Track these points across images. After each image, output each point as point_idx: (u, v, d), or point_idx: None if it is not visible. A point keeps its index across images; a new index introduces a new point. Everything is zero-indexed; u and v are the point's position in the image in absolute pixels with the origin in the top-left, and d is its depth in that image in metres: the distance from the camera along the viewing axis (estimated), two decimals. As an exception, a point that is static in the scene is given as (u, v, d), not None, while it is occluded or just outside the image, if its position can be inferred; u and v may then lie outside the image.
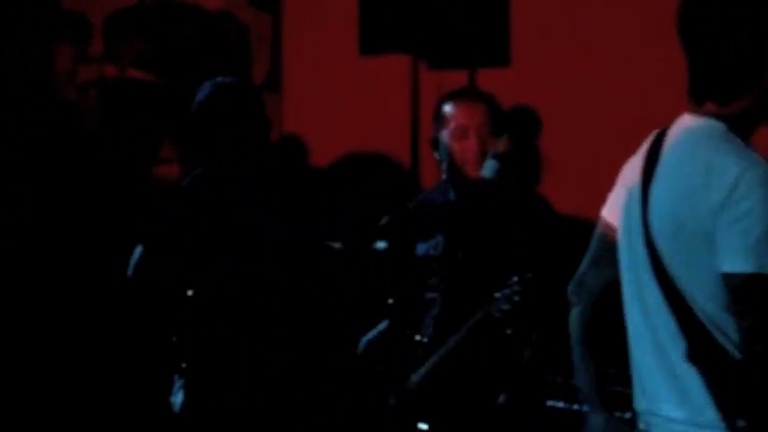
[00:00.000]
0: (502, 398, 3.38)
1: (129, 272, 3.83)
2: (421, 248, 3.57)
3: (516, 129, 4.88)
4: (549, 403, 3.79)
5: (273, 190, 3.89)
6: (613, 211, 2.88)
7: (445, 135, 3.80)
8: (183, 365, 3.83)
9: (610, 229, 2.87)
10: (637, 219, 2.71)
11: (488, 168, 3.55)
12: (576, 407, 3.76)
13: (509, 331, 3.32)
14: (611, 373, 3.57)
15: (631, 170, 2.86)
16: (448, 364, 3.37)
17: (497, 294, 3.27)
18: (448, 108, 3.79)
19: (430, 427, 3.42)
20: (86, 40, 5.38)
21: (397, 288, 3.59)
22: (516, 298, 3.24)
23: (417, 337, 3.47)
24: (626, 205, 2.80)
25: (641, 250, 2.67)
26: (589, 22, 5.64)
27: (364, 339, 3.74)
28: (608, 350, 4.15)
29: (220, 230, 3.81)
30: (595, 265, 2.90)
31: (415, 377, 3.42)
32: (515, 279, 3.24)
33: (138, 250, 3.92)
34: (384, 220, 3.54)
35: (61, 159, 4.82)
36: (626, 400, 3.04)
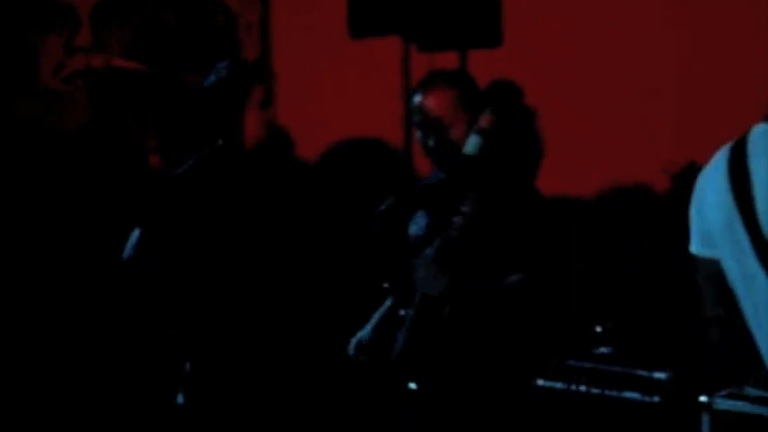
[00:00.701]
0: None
1: (126, 253, 3.79)
2: (412, 228, 3.57)
3: (498, 103, 4.85)
4: (545, 383, 3.76)
5: (269, 178, 3.87)
6: (705, 242, 2.69)
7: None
8: (185, 362, 3.81)
9: (713, 264, 2.68)
10: (745, 239, 2.55)
11: (471, 145, 3.52)
12: (573, 387, 3.73)
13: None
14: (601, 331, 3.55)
15: (714, 193, 2.66)
16: (429, 322, 3.37)
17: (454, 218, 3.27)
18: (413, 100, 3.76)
19: (419, 386, 3.42)
20: (74, 30, 5.34)
21: (392, 271, 3.59)
22: (466, 209, 3.23)
23: (402, 312, 3.47)
24: (727, 228, 2.60)
25: (758, 270, 2.53)
26: (581, 0, 5.60)
27: (354, 339, 3.72)
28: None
29: (220, 219, 3.78)
30: (719, 302, 2.71)
31: (399, 343, 3.42)
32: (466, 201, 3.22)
33: (136, 234, 3.88)
34: (386, 204, 3.51)
35: (47, 152, 4.79)
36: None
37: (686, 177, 5.12)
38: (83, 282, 4.66)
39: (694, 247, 2.77)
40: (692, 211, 2.77)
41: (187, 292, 3.79)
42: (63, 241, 4.70)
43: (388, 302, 3.69)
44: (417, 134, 3.64)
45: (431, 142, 3.49)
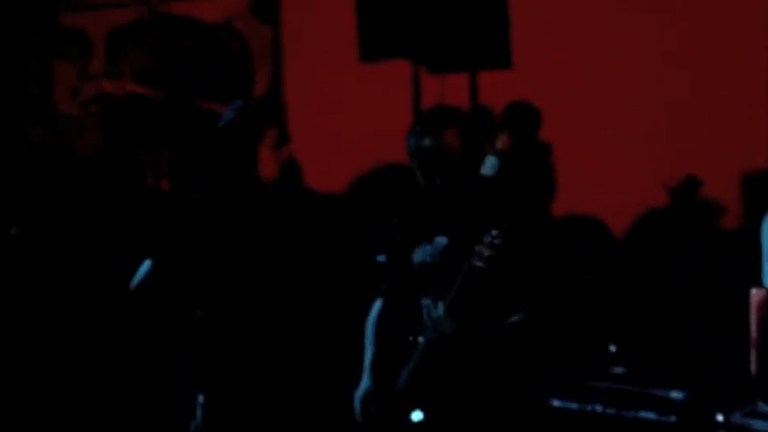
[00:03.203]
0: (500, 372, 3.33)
1: (134, 284, 3.81)
2: (418, 256, 3.53)
3: (516, 125, 4.85)
4: (560, 404, 3.76)
5: (284, 209, 3.88)
6: None
7: None
8: (199, 384, 3.82)
9: None
10: None
11: (488, 166, 3.51)
12: (589, 408, 3.73)
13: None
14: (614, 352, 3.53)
15: None
16: (437, 350, 3.35)
17: (477, 247, 3.23)
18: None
19: (426, 415, 3.39)
20: (87, 57, 5.38)
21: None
22: (497, 241, 3.19)
23: (413, 338, 3.44)
24: None
25: None
26: (589, 22, 5.63)
27: (357, 398, 3.67)
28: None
29: (233, 248, 3.79)
30: None
31: (405, 371, 3.40)
32: (493, 230, 3.18)
33: (147, 263, 3.89)
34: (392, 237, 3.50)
35: (62, 175, 4.81)
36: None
37: (684, 191, 5.15)
38: (89, 305, 4.68)
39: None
40: (765, 243, 2.73)
41: (198, 320, 3.80)
42: (74, 263, 4.72)
43: (375, 314, 3.62)
44: (418, 171, 3.48)
45: (438, 179, 3.41)
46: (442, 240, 3.35)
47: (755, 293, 2.91)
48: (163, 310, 3.91)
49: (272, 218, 3.80)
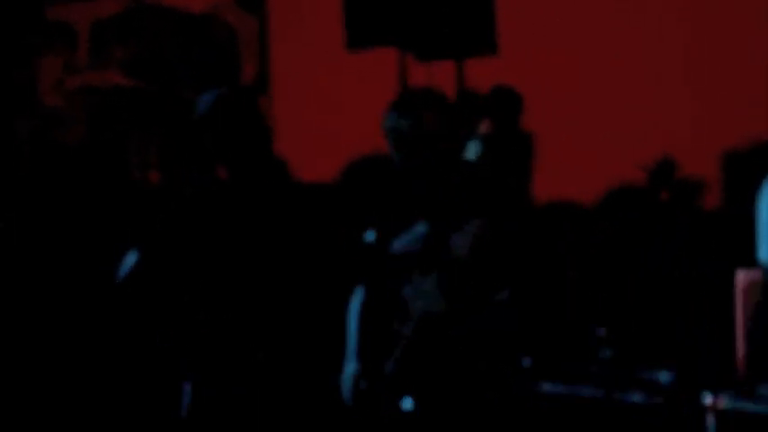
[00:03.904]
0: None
1: (120, 276, 3.80)
2: (397, 244, 3.49)
3: (498, 110, 4.85)
4: (549, 388, 3.77)
5: (275, 201, 3.87)
6: None
7: None
8: (189, 372, 3.81)
9: None
10: None
11: (471, 150, 3.50)
12: (577, 391, 3.74)
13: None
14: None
15: None
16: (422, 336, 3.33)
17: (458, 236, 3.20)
18: None
19: (417, 400, 3.38)
20: (72, 49, 5.37)
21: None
22: (475, 230, 3.16)
23: (399, 328, 3.42)
24: None
25: None
26: (575, 9, 5.64)
27: (347, 381, 3.66)
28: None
29: (221, 241, 3.79)
30: None
31: (391, 360, 3.38)
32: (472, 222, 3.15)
33: (132, 256, 3.89)
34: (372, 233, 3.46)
35: (46, 168, 4.81)
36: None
37: (661, 172, 5.16)
38: (75, 298, 4.67)
39: (764, 255, 2.72)
40: (763, 218, 2.72)
41: (183, 313, 3.80)
42: (60, 256, 4.71)
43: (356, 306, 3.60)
44: (395, 155, 3.40)
45: (418, 159, 3.34)
46: (420, 228, 3.31)
47: (742, 276, 2.88)
48: (152, 302, 3.91)
49: (262, 211, 3.80)
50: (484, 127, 3.55)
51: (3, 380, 4.65)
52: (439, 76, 5.34)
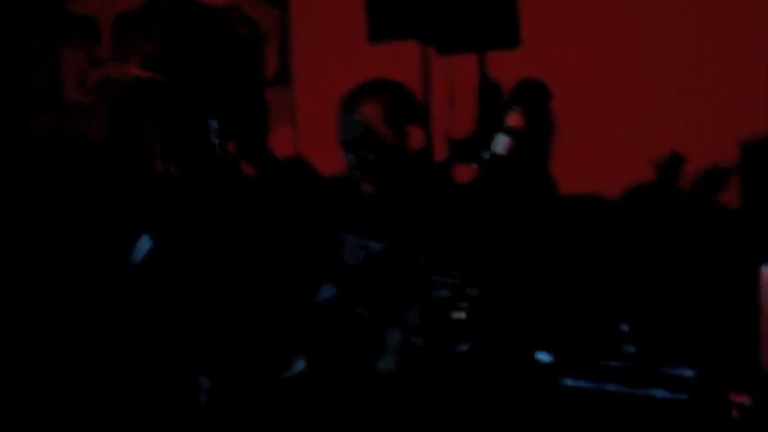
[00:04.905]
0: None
1: (134, 259, 3.77)
2: (348, 259, 3.32)
3: (526, 102, 4.82)
4: (573, 383, 3.76)
5: (291, 195, 3.88)
6: None
7: None
8: (202, 363, 3.82)
9: None
10: None
11: (499, 144, 3.44)
12: (601, 386, 3.74)
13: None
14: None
15: None
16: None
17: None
18: None
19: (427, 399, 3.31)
20: (94, 42, 5.38)
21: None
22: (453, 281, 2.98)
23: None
24: None
25: None
26: (597, 1, 5.62)
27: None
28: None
29: (234, 234, 3.79)
30: None
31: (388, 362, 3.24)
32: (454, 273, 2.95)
33: (146, 241, 3.88)
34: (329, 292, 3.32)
35: (67, 161, 4.82)
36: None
37: (668, 167, 5.14)
38: (94, 286, 4.68)
39: None
40: None
41: (197, 299, 3.80)
42: (80, 247, 4.72)
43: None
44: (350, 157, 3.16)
45: (371, 157, 3.13)
46: (375, 245, 3.10)
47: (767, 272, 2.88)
48: (166, 289, 3.91)
49: (278, 205, 3.80)
50: (512, 120, 3.50)
51: (12, 368, 4.67)
52: (461, 69, 5.34)
